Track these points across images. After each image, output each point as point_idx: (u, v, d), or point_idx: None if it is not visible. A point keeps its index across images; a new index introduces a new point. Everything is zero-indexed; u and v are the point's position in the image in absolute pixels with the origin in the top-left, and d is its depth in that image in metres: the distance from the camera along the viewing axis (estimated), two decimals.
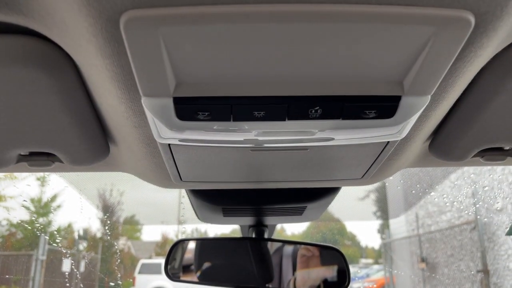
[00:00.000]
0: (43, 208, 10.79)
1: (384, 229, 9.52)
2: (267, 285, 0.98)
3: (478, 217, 5.83)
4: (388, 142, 0.53)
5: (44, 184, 10.47)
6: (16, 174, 8.07)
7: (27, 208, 10.66)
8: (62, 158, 0.61)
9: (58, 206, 11.29)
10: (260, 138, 0.48)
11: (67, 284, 9.73)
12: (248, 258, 0.95)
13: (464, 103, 0.52)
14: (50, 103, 0.47)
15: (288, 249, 1.01)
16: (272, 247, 1.02)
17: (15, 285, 8.85)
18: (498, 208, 5.64)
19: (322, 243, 1.00)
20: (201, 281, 0.98)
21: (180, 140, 0.49)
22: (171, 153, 0.55)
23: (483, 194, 5.92)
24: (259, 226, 1.00)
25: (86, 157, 0.61)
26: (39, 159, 0.62)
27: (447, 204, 6.92)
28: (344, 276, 0.97)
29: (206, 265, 0.98)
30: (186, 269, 0.99)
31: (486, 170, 5.76)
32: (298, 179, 0.70)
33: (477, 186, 6.02)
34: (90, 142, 0.58)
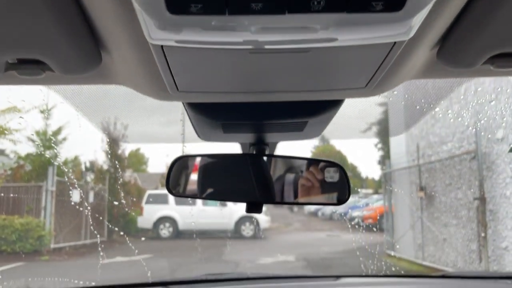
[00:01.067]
0: (48, 141, 10.94)
1: (384, 160, 9.68)
2: (267, 200, 1.01)
3: (479, 146, 5.90)
4: (395, 43, 0.51)
5: (48, 117, 10.52)
6: (19, 106, 8.08)
7: (33, 141, 10.81)
8: (52, 65, 0.59)
9: (64, 139, 11.45)
10: (260, 39, 0.47)
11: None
12: (249, 174, 0.98)
13: (475, 3, 0.49)
14: (34, 2, 0.46)
15: (289, 177, 1.03)
16: (274, 171, 1.04)
17: (28, 214, 9.23)
18: (499, 138, 5.68)
19: (323, 159, 1.01)
20: (202, 196, 1.01)
21: (175, 42, 0.48)
22: (165, 57, 0.54)
23: (485, 123, 5.94)
24: (259, 144, 1.00)
25: (77, 64, 0.60)
26: (29, 67, 0.61)
27: (449, 134, 6.96)
28: (344, 191, 1.00)
29: (207, 181, 1.01)
30: (187, 185, 1.02)
31: (489, 99, 5.73)
32: (299, 89, 0.69)
33: (480, 116, 6.02)
34: (80, 47, 0.56)
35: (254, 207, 0.97)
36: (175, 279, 1.49)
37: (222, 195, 1.02)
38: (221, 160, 1.01)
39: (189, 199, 11.79)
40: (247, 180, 0.98)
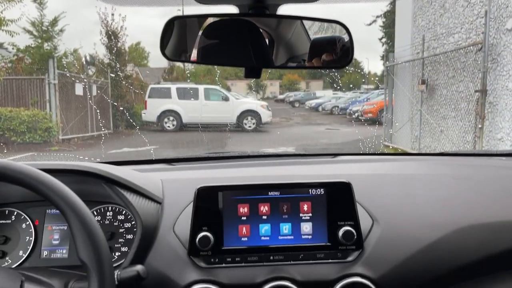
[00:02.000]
0: (45, 32, 10.64)
1: (388, 54, 9.49)
2: (266, 65, 1.01)
3: (486, 37, 5.74)
4: None
5: (42, 6, 10.10)
6: None
7: (30, 33, 10.51)
8: None
9: (61, 30, 11.14)
10: None
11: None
12: (247, 37, 0.96)
13: None
14: None
15: (289, 39, 1.01)
16: (273, 33, 1.01)
17: (33, 107, 9.38)
18: (508, 28, 5.50)
19: (326, 18, 0.97)
20: (198, 61, 0.98)
21: None
22: None
23: (496, 12, 5.71)
24: (258, 2, 0.95)
25: None
26: None
27: (457, 25, 6.73)
28: (347, 54, 0.97)
29: (204, 43, 0.97)
30: (182, 48, 0.99)
31: None
32: None
33: (492, 5, 5.76)
34: None
35: (253, 71, 0.99)
36: (177, 157, 1.56)
37: (219, 59, 0.99)
38: (219, 22, 0.98)
39: (191, 97, 11.79)
40: (245, 44, 0.96)
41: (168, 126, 11.87)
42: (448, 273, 1.00)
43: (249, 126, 11.95)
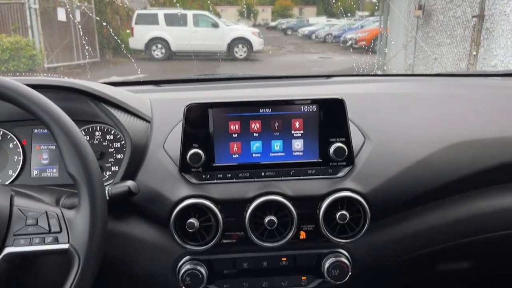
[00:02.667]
0: None
1: None
2: None
3: None
4: None
5: None
6: None
7: None
8: None
9: None
10: None
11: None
12: None
13: None
14: None
15: None
16: None
17: (15, 33, 9.00)
18: None
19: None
20: None
21: None
22: None
23: None
24: None
25: None
26: None
27: None
28: None
29: None
30: None
31: None
32: None
33: None
34: None
35: None
36: (166, 78, 1.51)
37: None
38: None
39: (180, 23, 11.36)
40: None
41: (157, 55, 11.54)
42: (437, 188, 1.02)
43: (240, 55, 11.68)
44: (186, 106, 0.95)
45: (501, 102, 1.20)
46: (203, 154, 0.95)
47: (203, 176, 0.97)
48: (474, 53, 5.91)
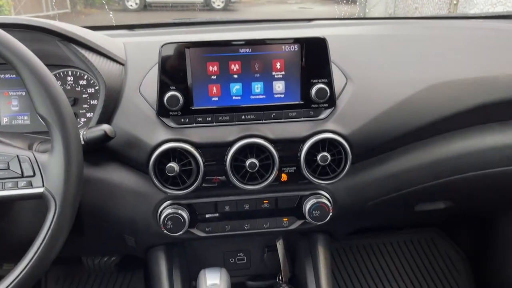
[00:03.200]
0: None
1: None
2: None
3: None
4: None
5: None
6: None
7: None
8: None
9: None
10: None
11: None
12: None
13: None
14: None
15: None
16: None
17: None
18: None
19: None
20: None
21: None
22: None
23: None
24: None
25: None
26: None
27: None
28: None
29: None
30: None
31: None
32: None
33: None
34: None
35: None
36: (140, 23, 1.43)
37: None
38: None
39: None
40: None
41: (131, 5, 11.04)
42: (418, 129, 1.02)
43: (218, 5, 11.28)
44: (162, 46, 0.91)
45: (482, 43, 1.19)
46: (181, 97, 0.92)
47: (182, 120, 0.94)
48: (455, 2, 5.85)
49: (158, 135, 0.92)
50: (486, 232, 1.63)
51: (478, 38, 1.22)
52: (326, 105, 0.97)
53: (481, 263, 1.68)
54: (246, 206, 1.00)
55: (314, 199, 0.99)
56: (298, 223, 1.03)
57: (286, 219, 1.02)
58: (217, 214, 1.00)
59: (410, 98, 1.01)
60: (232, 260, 1.18)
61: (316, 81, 0.96)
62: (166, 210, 0.96)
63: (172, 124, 0.94)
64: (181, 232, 0.96)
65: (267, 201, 1.00)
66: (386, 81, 1.04)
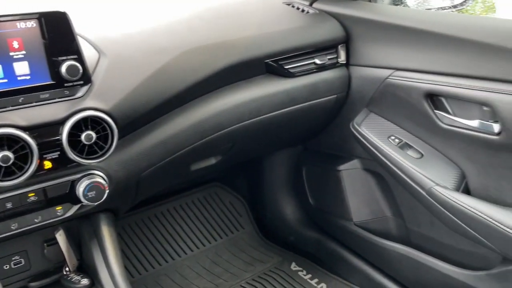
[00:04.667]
0: None
1: None
2: None
3: None
4: None
5: None
6: None
7: None
8: None
9: None
10: None
11: None
12: None
13: None
14: None
15: None
16: None
17: None
18: None
19: None
20: None
21: None
22: None
23: None
24: None
25: None
26: None
27: None
28: None
29: None
30: None
31: None
32: None
33: None
34: None
35: None
36: None
37: None
38: None
39: None
40: None
41: None
42: (178, 94, 1.08)
43: None
44: None
45: (222, 8, 1.33)
46: None
47: None
48: None
49: None
50: (258, 176, 1.89)
51: (219, 5, 1.35)
52: (81, 82, 0.93)
53: (256, 202, 1.95)
54: (9, 205, 0.89)
55: (87, 180, 0.95)
56: (74, 208, 0.98)
57: (60, 208, 0.96)
58: None
59: (166, 65, 1.06)
60: (6, 266, 1.05)
61: (64, 58, 0.90)
62: None
63: None
64: None
65: (33, 194, 0.92)
66: (140, 52, 1.06)
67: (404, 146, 1.29)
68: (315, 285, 1.65)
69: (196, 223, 1.89)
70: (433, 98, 1.21)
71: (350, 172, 1.52)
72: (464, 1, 1.37)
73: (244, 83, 1.24)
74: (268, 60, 1.25)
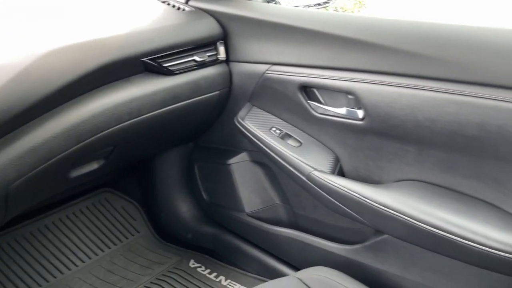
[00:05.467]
0: None
1: None
2: None
3: None
4: None
5: None
6: None
7: None
8: None
9: None
10: None
11: None
12: None
13: None
14: None
15: None
16: None
17: None
18: None
19: None
20: None
21: None
22: None
23: None
24: None
25: None
26: None
27: None
28: None
29: None
30: None
31: None
32: None
33: None
34: None
35: None
36: None
37: None
38: None
39: None
40: None
41: None
42: (47, 98, 1.01)
43: None
44: None
45: (90, 6, 1.27)
46: None
47: None
48: None
49: None
50: (149, 177, 1.85)
51: (88, 3, 1.29)
52: None
53: (150, 204, 1.91)
54: None
55: None
56: None
57: None
58: None
59: (30, 67, 0.99)
60: None
61: None
62: None
63: None
64: None
65: None
66: (18, 55, 0.97)
67: (284, 136, 1.36)
68: (214, 279, 1.67)
69: (86, 232, 1.79)
70: (307, 89, 1.29)
71: (239, 165, 1.57)
72: (327, 1, 1.48)
73: (121, 83, 1.20)
74: (145, 59, 1.23)
